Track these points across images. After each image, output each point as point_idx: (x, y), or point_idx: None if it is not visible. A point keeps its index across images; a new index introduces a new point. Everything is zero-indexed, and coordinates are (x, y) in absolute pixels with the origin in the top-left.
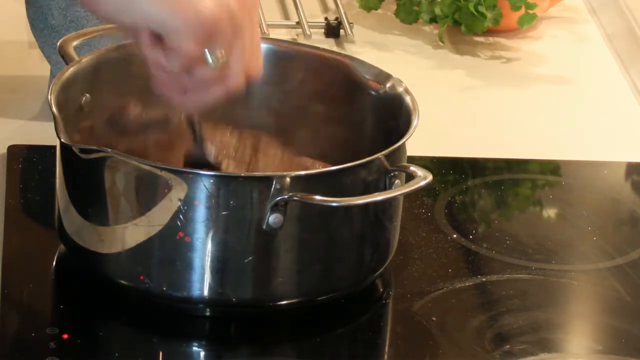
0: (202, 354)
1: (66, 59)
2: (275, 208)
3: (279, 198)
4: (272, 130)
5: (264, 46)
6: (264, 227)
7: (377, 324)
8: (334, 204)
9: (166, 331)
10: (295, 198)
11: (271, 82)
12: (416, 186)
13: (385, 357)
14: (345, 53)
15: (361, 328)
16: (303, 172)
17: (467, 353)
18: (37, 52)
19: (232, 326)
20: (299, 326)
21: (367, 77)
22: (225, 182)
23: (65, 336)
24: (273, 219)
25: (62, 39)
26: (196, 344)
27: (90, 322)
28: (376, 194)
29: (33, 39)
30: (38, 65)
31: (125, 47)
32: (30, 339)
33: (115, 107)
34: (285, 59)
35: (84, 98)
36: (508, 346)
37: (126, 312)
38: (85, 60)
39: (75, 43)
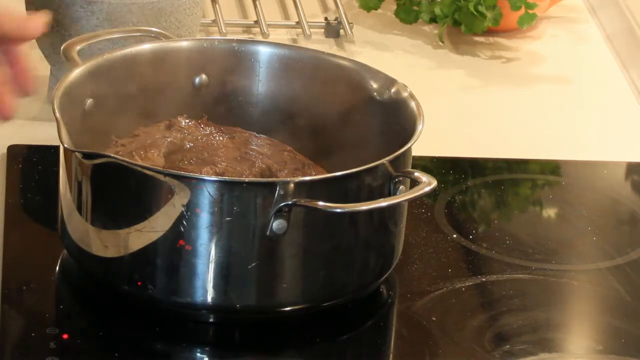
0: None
1: (70, 63)
2: (279, 214)
3: (282, 204)
4: (276, 134)
5: (268, 50)
6: (268, 233)
7: (380, 326)
8: (338, 210)
9: (169, 337)
10: (298, 204)
11: (277, 86)
12: (420, 192)
13: (387, 357)
14: (352, 59)
15: (364, 330)
16: (307, 178)
17: (467, 353)
18: (37, 52)
19: (236, 332)
20: (304, 332)
21: (373, 82)
22: (228, 188)
23: (65, 336)
24: (277, 224)
25: (66, 42)
26: (200, 350)
27: (91, 322)
28: (380, 200)
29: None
30: (38, 65)
31: (130, 52)
32: (31, 338)
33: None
34: (291, 63)
35: (87, 102)
36: (508, 346)
37: (128, 316)
38: (89, 64)
39: (79, 47)
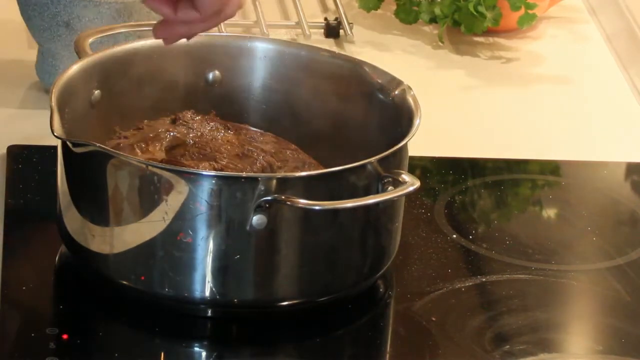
0: (204, 354)
1: (80, 55)
2: (259, 209)
3: (262, 199)
4: (283, 132)
5: (277, 47)
6: (248, 227)
7: (378, 325)
8: (317, 208)
9: (167, 332)
10: (278, 200)
11: (279, 83)
12: (398, 193)
13: (386, 357)
14: (358, 58)
15: (362, 328)
16: (289, 175)
17: (467, 353)
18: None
19: (234, 327)
20: (301, 327)
21: (377, 82)
22: (213, 182)
23: (65, 336)
24: (256, 220)
25: (78, 34)
26: (197, 345)
27: (90, 322)
28: (358, 199)
29: (34, 40)
30: (39, 66)
31: (137, 46)
32: (30, 339)
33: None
34: (295, 61)
35: (94, 94)
36: (508, 346)
37: (127, 312)
38: (95, 56)
39: (91, 39)
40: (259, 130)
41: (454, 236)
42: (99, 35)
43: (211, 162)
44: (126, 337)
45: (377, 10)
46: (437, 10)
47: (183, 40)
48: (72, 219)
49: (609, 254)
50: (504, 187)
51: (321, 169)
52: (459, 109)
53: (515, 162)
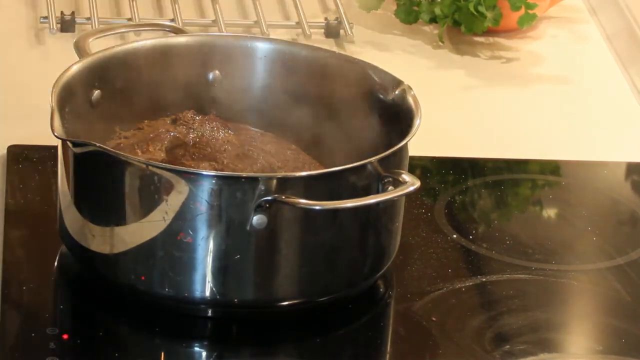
0: (204, 354)
1: (80, 55)
2: (259, 209)
3: (262, 199)
4: (283, 132)
5: (278, 47)
6: (248, 227)
7: (378, 325)
8: (317, 207)
9: (167, 332)
10: (278, 199)
11: (279, 83)
12: (398, 193)
13: (386, 357)
14: (358, 58)
15: (362, 328)
16: (290, 175)
17: (467, 353)
18: (38, 51)
19: (234, 327)
20: (301, 327)
21: (377, 82)
22: (213, 182)
23: (65, 336)
24: (256, 220)
25: (79, 35)
26: (197, 345)
27: (90, 322)
28: (358, 199)
29: (34, 36)
30: (40, 65)
31: (138, 46)
32: (30, 339)
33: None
34: (295, 61)
35: (94, 93)
36: (508, 346)
37: (127, 312)
38: (95, 56)
39: (92, 39)
40: (259, 130)
41: (454, 236)
42: (99, 35)
43: (211, 162)
44: (126, 337)
45: (377, 10)
46: (437, 10)
47: (187, 39)
48: (72, 219)
49: (609, 254)
50: (504, 187)
51: (321, 169)
52: (459, 109)
53: (515, 162)
